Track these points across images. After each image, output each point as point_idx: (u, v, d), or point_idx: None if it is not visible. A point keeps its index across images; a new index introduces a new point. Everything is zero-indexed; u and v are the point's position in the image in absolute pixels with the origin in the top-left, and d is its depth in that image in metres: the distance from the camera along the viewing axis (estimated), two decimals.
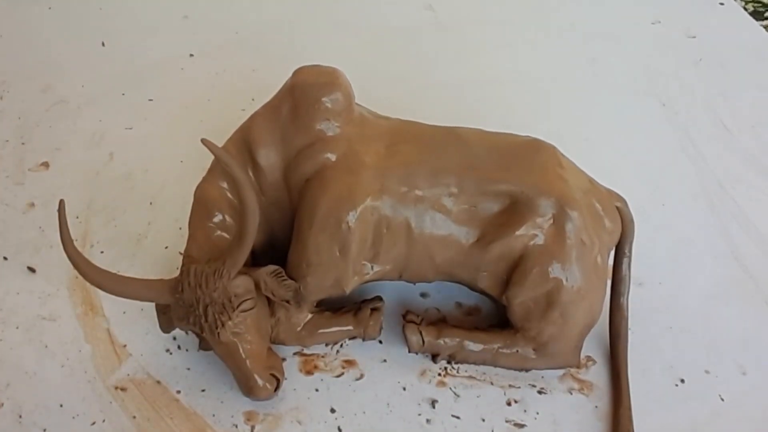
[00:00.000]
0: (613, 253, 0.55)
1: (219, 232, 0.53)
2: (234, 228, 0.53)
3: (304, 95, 0.52)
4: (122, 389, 0.52)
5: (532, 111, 0.78)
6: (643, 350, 0.56)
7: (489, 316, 0.58)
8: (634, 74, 0.84)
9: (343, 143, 0.52)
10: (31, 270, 0.60)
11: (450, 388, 0.53)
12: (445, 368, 0.54)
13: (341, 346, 0.55)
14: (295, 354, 0.55)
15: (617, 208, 0.54)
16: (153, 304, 0.52)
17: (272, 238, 0.55)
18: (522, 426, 0.51)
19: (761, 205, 0.68)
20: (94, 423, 0.50)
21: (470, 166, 0.52)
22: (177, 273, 0.49)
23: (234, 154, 0.53)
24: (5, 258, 0.61)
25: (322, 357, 0.55)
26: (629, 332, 0.55)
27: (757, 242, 0.65)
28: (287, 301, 0.51)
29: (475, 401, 0.53)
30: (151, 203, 0.66)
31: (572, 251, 0.50)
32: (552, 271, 0.50)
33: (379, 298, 0.56)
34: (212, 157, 0.51)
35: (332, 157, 0.52)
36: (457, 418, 0.51)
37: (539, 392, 0.53)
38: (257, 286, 0.50)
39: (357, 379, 0.54)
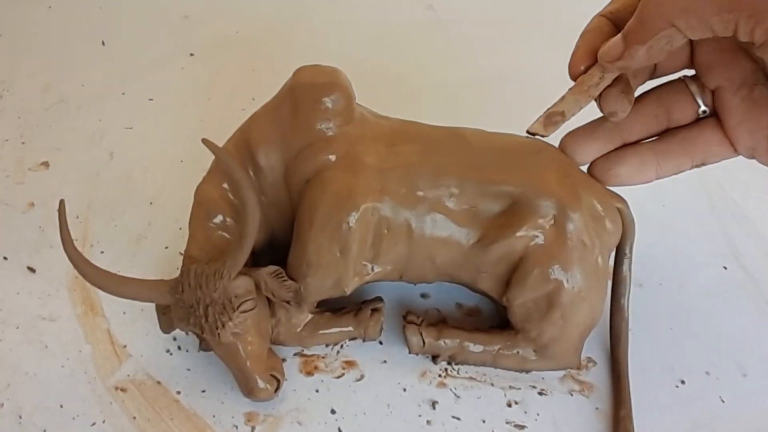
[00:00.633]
0: (613, 254, 0.55)
1: (219, 233, 0.53)
2: (234, 228, 0.53)
3: (305, 95, 0.52)
4: (122, 390, 0.52)
5: (533, 111, 0.77)
6: (644, 351, 0.55)
7: (489, 317, 0.58)
8: None
9: (344, 143, 0.52)
10: (31, 270, 0.60)
11: (450, 389, 0.53)
12: (446, 369, 0.54)
13: (341, 346, 0.55)
14: (295, 355, 0.55)
15: (618, 209, 0.54)
16: (153, 305, 0.52)
17: (272, 239, 0.55)
18: (522, 427, 0.51)
19: (761, 205, 0.68)
20: (94, 423, 0.50)
21: (471, 166, 0.52)
22: (177, 273, 0.49)
23: (234, 154, 0.53)
24: (5, 258, 0.61)
25: (323, 358, 0.55)
26: (629, 333, 0.55)
27: (757, 242, 0.65)
28: (288, 302, 0.51)
29: (476, 402, 0.53)
30: (151, 203, 0.66)
31: (573, 252, 0.50)
32: (553, 272, 0.50)
33: (380, 299, 0.56)
34: (212, 156, 0.51)
35: (332, 157, 0.52)
36: (458, 419, 0.51)
37: (540, 393, 0.53)
38: (258, 286, 0.50)
39: (357, 380, 0.54)
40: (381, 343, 0.56)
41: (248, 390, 0.49)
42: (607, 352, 0.55)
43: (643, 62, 0.36)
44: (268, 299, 0.51)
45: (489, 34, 0.88)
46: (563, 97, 0.38)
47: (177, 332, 0.55)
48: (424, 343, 0.53)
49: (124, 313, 0.57)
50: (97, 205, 0.65)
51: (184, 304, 0.48)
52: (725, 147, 0.40)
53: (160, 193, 0.66)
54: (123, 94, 0.78)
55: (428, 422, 0.51)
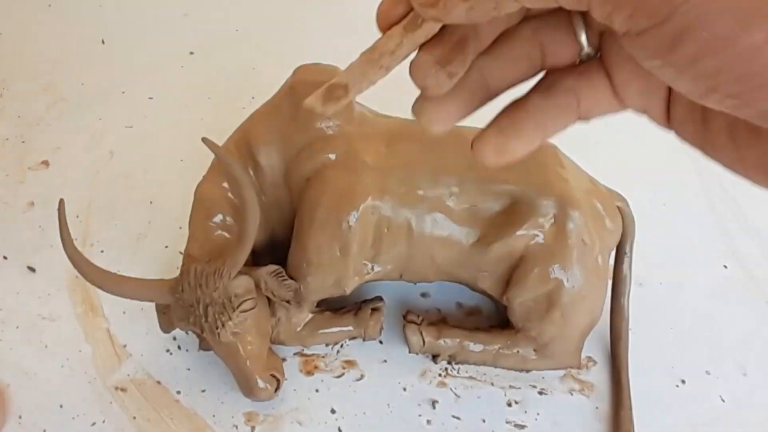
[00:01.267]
0: (613, 253, 0.55)
1: (219, 232, 0.53)
2: (234, 227, 0.53)
3: (305, 94, 0.52)
4: (122, 389, 0.52)
5: None
6: (644, 351, 0.55)
7: (489, 316, 0.58)
8: None
9: (344, 142, 0.52)
10: (31, 269, 0.60)
11: (450, 389, 0.53)
12: (446, 369, 0.54)
13: (342, 346, 0.55)
14: (295, 354, 0.55)
15: (618, 207, 0.54)
16: (153, 304, 0.52)
17: (273, 238, 0.55)
18: (523, 427, 0.51)
19: (761, 205, 0.68)
20: (94, 423, 0.50)
21: (471, 165, 0.52)
22: (177, 273, 0.49)
23: (234, 153, 0.52)
24: (5, 257, 0.61)
25: (323, 357, 0.55)
26: (629, 333, 0.55)
27: (758, 242, 0.65)
28: (288, 301, 0.51)
29: (476, 402, 0.52)
30: (151, 202, 0.65)
31: (573, 251, 0.50)
32: (553, 271, 0.50)
33: (380, 299, 0.56)
34: (212, 156, 0.51)
35: (332, 156, 0.52)
36: (458, 418, 0.51)
37: (540, 393, 0.53)
38: (257, 286, 0.50)
39: (357, 380, 0.53)
40: (381, 342, 0.56)
41: (248, 390, 0.49)
42: (607, 352, 0.55)
43: (463, 20, 0.26)
44: (268, 299, 0.51)
45: None
46: (351, 65, 0.26)
47: (177, 332, 0.55)
48: (424, 342, 0.53)
49: (124, 312, 0.57)
50: (97, 204, 0.65)
51: (184, 304, 0.48)
52: (612, 100, 0.30)
53: (160, 192, 0.66)
54: (123, 93, 0.78)
55: (428, 422, 0.51)
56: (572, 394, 0.53)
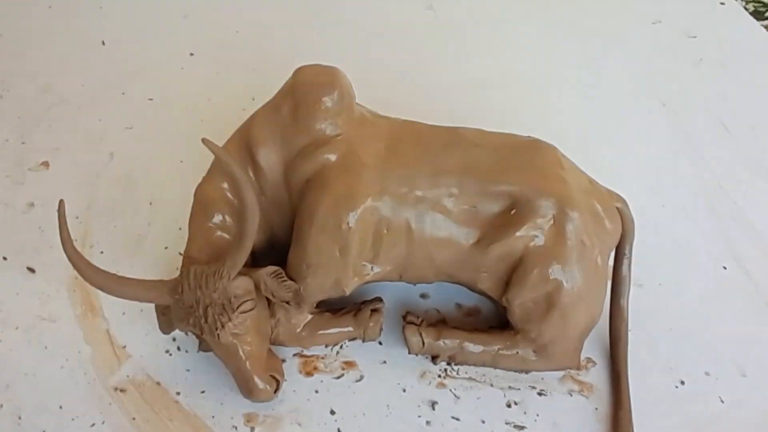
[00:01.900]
0: (613, 254, 0.55)
1: (219, 233, 0.53)
2: (234, 228, 0.53)
3: (305, 95, 0.52)
4: (122, 390, 0.52)
5: (532, 111, 0.78)
6: (643, 352, 0.55)
7: (489, 317, 0.58)
8: (635, 74, 0.83)
9: (344, 143, 0.52)
10: (31, 270, 0.60)
11: (450, 390, 0.53)
12: (445, 370, 0.54)
13: (341, 347, 0.55)
14: (295, 355, 0.55)
15: (617, 208, 0.54)
16: (153, 305, 0.52)
17: (272, 239, 0.55)
18: (522, 428, 0.51)
19: (761, 205, 0.68)
20: (93, 425, 0.50)
21: (470, 166, 0.52)
22: (177, 274, 0.49)
23: (234, 154, 0.52)
24: (5, 258, 0.61)
25: (322, 358, 0.55)
26: (629, 333, 0.55)
27: (757, 243, 0.65)
28: (287, 302, 0.51)
29: (475, 403, 0.52)
30: (151, 203, 0.65)
31: (572, 252, 0.50)
32: (552, 272, 0.50)
33: (379, 299, 0.56)
34: (212, 156, 0.51)
35: (332, 157, 0.52)
36: (457, 419, 0.51)
37: (539, 394, 0.53)
38: (257, 287, 0.50)
39: (357, 381, 0.53)
40: (380, 343, 0.56)
41: (248, 391, 0.49)
42: (606, 353, 0.55)
43: None
44: (268, 300, 0.51)
45: (488, 35, 0.88)
46: None
47: (177, 333, 0.55)
48: (423, 343, 0.53)
49: (124, 313, 0.57)
50: (97, 205, 0.65)
51: (184, 305, 0.48)
52: None
53: (160, 194, 0.66)
54: (123, 94, 0.78)
55: (428, 423, 0.51)
56: (572, 395, 0.53)
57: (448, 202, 0.51)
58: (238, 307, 0.48)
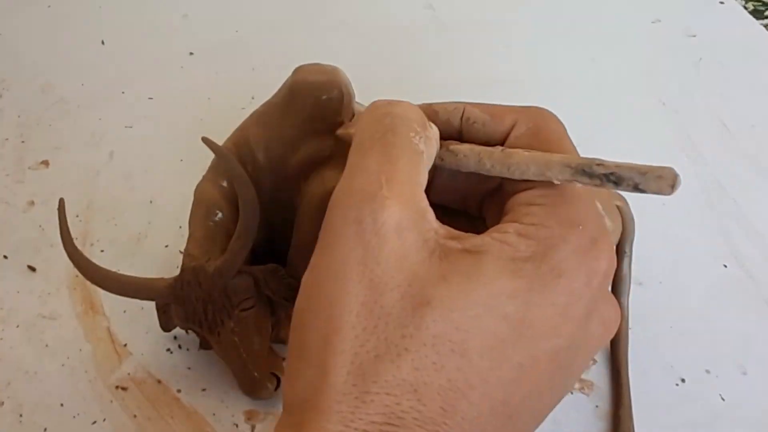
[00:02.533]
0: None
1: (219, 231, 0.53)
2: (234, 227, 0.53)
3: (304, 94, 0.52)
4: (123, 388, 0.52)
5: None
6: (644, 350, 0.55)
7: None
8: (634, 74, 0.83)
9: (344, 142, 0.52)
10: (31, 269, 0.60)
11: None
12: None
13: None
14: None
15: (618, 207, 0.54)
16: (153, 303, 0.52)
17: (272, 237, 0.55)
18: None
19: (761, 205, 0.68)
20: (94, 422, 0.50)
21: None
22: (177, 272, 0.49)
23: (234, 153, 0.52)
24: (5, 257, 0.61)
25: None
26: (629, 332, 0.55)
27: (757, 242, 0.65)
28: (287, 300, 0.51)
29: None
30: (151, 202, 0.66)
31: None
32: None
33: None
34: (212, 155, 0.51)
35: (333, 156, 0.52)
36: None
37: None
38: (257, 285, 0.50)
39: None
40: None
41: (248, 388, 0.49)
42: (606, 351, 0.55)
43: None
44: (269, 297, 0.51)
45: (488, 34, 0.88)
46: None
47: (177, 331, 0.55)
48: None
49: (125, 311, 0.57)
50: (97, 203, 0.65)
51: (184, 303, 0.48)
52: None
53: (160, 192, 0.66)
54: (123, 93, 0.78)
55: None
56: (572, 393, 0.53)
57: None
58: (238, 305, 0.48)
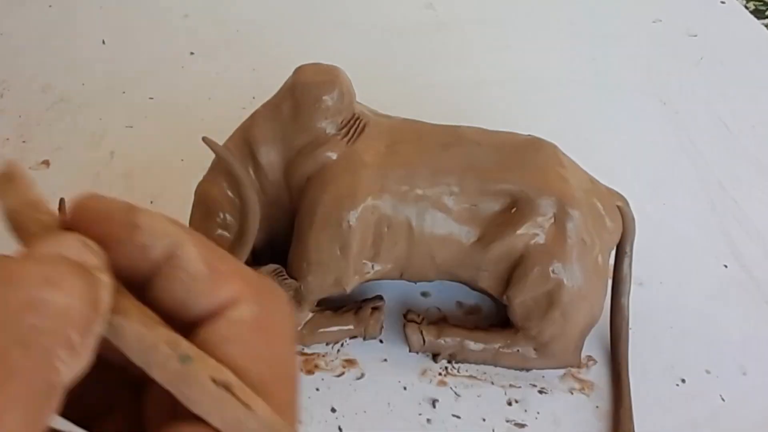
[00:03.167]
0: (613, 252, 0.55)
1: (220, 231, 0.53)
2: (235, 227, 0.53)
3: (305, 93, 0.52)
4: None
5: (532, 110, 0.78)
6: (644, 350, 0.55)
7: (490, 315, 0.58)
8: (635, 73, 0.83)
9: (344, 142, 0.52)
10: None
11: (451, 388, 0.53)
12: (446, 368, 0.54)
13: (342, 345, 0.55)
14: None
15: (618, 207, 0.54)
16: None
17: (273, 238, 0.55)
18: (523, 426, 0.51)
19: (761, 205, 0.68)
20: None
21: (471, 165, 0.52)
22: None
23: (234, 153, 0.52)
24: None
25: (323, 356, 0.55)
26: (630, 332, 0.55)
27: (757, 242, 0.65)
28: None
29: (476, 401, 0.52)
30: (151, 202, 0.65)
31: (573, 250, 0.50)
32: (553, 270, 0.50)
33: (380, 298, 0.56)
34: (213, 155, 0.51)
35: (333, 155, 0.52)
36: (458, 417, 0.51)
37: (540, 392, 0.53)
38: None
39: (358, 379, 0.54)
40: (381, 341, 0.56)
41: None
42: (607, 351, 0.55)
43: None
44: None
45: (488, 34, 0.88)
46: None
47: None
48: (424, 341, 0.53)
49: None
50: None
51: None
52: None
53: (161, 192, 0.66)
54: (123, 93, 0.78)
55: (428, 420, 0.51)
56: (572, 393, 0.53)
57: (449, 200, 0.51)
58: None
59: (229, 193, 0.53)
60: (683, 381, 0.54)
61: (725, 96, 0.81)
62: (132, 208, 0.22)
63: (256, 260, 0.53)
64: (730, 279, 0.61)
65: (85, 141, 0.72)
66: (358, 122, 0.53)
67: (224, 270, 0.21)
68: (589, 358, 0.55)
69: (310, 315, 0.54)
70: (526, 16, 0.91)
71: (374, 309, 0.55)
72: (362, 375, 0.54)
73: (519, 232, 0.50)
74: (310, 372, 0.54)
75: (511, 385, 0.53)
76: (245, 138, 0.53)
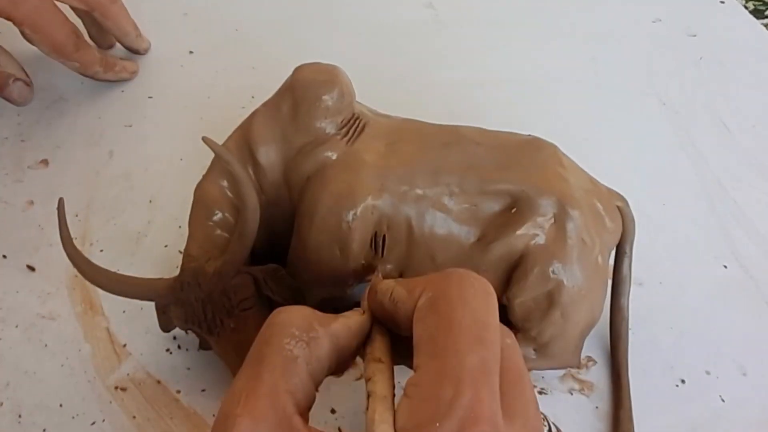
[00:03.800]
0: (613, 252, 0.55)
1: (219, 231, 0.53)
2: (234, 226, 0.53)
3: (305, 93, 0.52)
4: (122, 389, 0.52)
5: (532, 110, 0.78)
6: (644, 350, 0.55)
7: None
8: (635, 73, 0.83)
9: (343, 142, 0.52)
10: (31, 268, 0.60)
11: None
12: None
13: None
14: None
15: (618, 207, 0.54)
16: (153, 303, 0.52)
17: (272, 237, 0.55)
18: None
19: (761, 205, 0.68)
20: (93, 423, 0.50)
21: (471, 165, 0.52)
22: (177, 272, 0.49)
23: (234, 152, 0.52)
24: (4, 256, 0.61)
25: None
26: (629, 332, 0.55)
27: (757, 242, 0.65)
28: (287, 301, 0.51)
29: None
30: (150, 201, 0.65)
31: (573, 251, 0.50)
32: (553, 270, 0.50)
33: None
34: (212, 155, 0.51)
35: (332, 155, 0.52)
36: None
37: (540, 392, 0.53)
38: (257, 285, 0.50)
39: (357, 379, 0.53)
40: None
41: None
42: (607, 351, 0.55)
43: None
44: (268, 298, 0.51)
45: (489, 34, 0.88)
46: None
47: (177, 331, 0.55)
48: None
49: (124, 311, 0.57)
50: (96, 203, 0.65)
51: (184, 303, 0.48)
52: None
53: (160, 192, 0.66)
54: (122, 92, 0.78)
55: None
56: (572, 394, 0.53)
57: (449, 200, 0.51)
58: (237, 306, 0.48)
59: (229, 193, 0.53)
60: (683, 381, 0.54)
61: (725, 96, 0.81)
62: (373, 285, 0.38)
63: (255, 260, 0.53)
64: (729, 279, 0.61)
65: (85, 140, 0.72)
66: (357, 122, 0.53)
67: (413, 284, 0.34)
68: (589, 358, 0.55)
69: None
70: (526, 16, 0.91)
71: None
72: (362, 375, 0.54)
73: (519, 232, 0.50)
74: None
75: None
76: (245, 138, 0.53)
